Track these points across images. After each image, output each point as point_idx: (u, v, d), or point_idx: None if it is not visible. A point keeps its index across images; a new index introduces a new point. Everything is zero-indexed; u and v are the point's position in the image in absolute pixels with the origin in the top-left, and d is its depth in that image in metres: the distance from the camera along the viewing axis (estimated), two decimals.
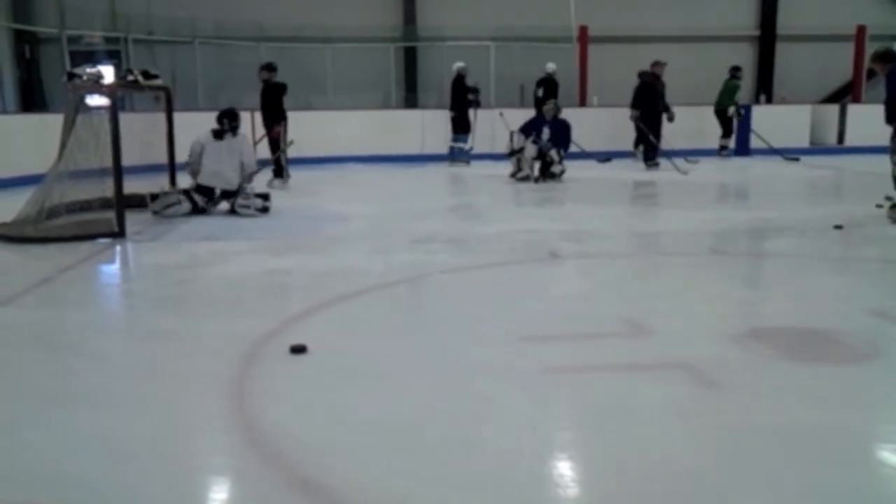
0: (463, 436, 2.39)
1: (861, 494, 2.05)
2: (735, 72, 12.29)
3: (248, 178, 7.12)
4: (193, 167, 7.10)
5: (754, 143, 12.32)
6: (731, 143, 12.58)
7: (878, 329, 3.46)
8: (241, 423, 2.50)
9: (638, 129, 11.35)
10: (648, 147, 11.16)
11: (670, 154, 10.72)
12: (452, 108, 11.90)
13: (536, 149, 9.45)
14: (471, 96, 11.70)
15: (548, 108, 9.85)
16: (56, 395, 2.76)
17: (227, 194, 7.02)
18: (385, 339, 3.38)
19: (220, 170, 7.01)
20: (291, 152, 9.16)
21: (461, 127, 11.87)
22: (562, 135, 9.67)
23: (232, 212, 6.94)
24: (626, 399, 2.66)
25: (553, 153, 9.49)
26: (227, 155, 7.06)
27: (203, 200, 6.97)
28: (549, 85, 12.30)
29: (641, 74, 11.31)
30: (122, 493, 2.07)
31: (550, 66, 12.48)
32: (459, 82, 11.81)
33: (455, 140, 11.97)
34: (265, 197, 7.10)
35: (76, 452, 2.30)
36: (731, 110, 12.09)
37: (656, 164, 11.04)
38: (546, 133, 9.50)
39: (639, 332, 3.39)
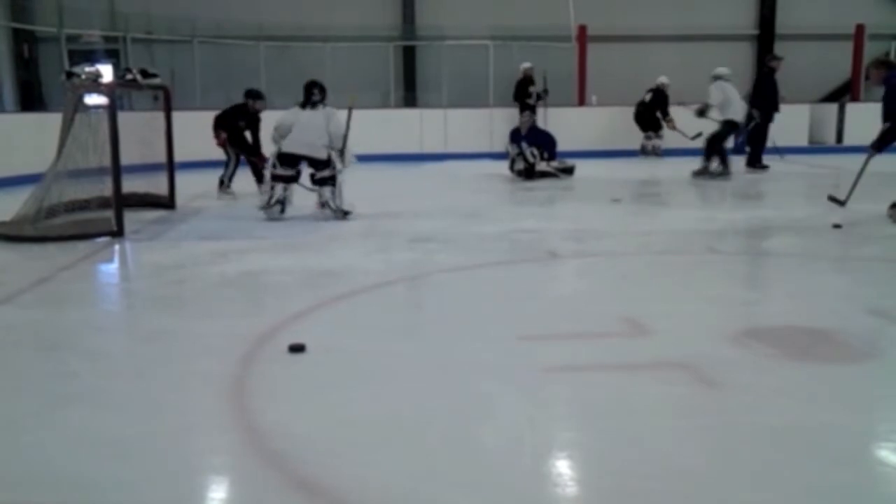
0: (462, 435, 2.39)
1: (861, 494, 2.05)
2: None
3: (339, 151, 6.70)
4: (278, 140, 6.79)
5: None
6: None
7: (878, 329, 3.46)
8: (240, 423, 2.50)
9: (756, 128, 10.57)
10: (759, 148, 10.52)
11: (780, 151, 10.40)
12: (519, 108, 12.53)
13: (516, 146, 9.92)
14: (540, 96, 12.27)
15: (523, 120, 10.23)
16: (55, 395, 2.75)
17: (313, 163, 6.68)
18: (384, 339, 3.38)
19: (306, 137, 6.65)
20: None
21: None
22: (543, 143, 9.95)
23: (315, 183, 6.69)
24: (626, 399, 2.66)
25: (528, 153, 9.75)
26: (314, 124, 6.68)
27: (288, 171, 6.66)
28: (658, 96, 12.43)
29: (765, 68, 10.76)
30: (121, 493, 2.07)
31: (662, 79, 12.49)
32: (523, 83, 12.41)
33: None
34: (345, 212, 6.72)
35: (75, 452, 2.30)
36: None
37: (766, 167, 10.39)
38: (524, 147, 9.85)
39: (638, 332, 3.39)
